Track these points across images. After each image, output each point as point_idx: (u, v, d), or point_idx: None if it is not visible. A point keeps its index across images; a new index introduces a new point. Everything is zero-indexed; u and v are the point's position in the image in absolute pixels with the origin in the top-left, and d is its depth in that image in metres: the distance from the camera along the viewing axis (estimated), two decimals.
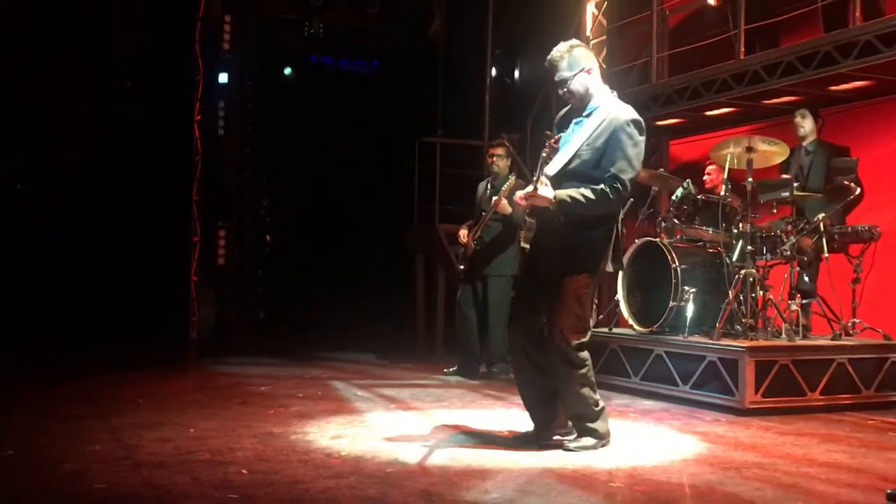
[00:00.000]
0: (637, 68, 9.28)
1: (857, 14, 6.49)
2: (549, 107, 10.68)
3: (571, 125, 4.44)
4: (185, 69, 10.97)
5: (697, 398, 5.93)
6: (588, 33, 10.06)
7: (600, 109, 4.34)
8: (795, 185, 6.32)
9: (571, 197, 4.21)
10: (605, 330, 7.03)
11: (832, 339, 6.18)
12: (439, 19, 12.36)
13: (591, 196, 4.21)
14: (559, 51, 4.37)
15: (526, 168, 10.18)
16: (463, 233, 7.59)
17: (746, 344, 5.75)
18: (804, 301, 6.37)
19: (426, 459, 4.14)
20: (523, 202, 4.37)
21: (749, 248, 6.15)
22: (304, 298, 12.55)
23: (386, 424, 5.07)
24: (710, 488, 3.71)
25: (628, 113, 4.31)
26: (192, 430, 4.77)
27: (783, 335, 6.07)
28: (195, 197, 10.71)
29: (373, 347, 9.68)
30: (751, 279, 6.12)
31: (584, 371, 4.34)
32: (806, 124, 6.81)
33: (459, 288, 7.73)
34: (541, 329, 4.38)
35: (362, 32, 12.23)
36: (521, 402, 4.74)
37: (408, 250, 10.80)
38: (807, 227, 6.28)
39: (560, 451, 4.33)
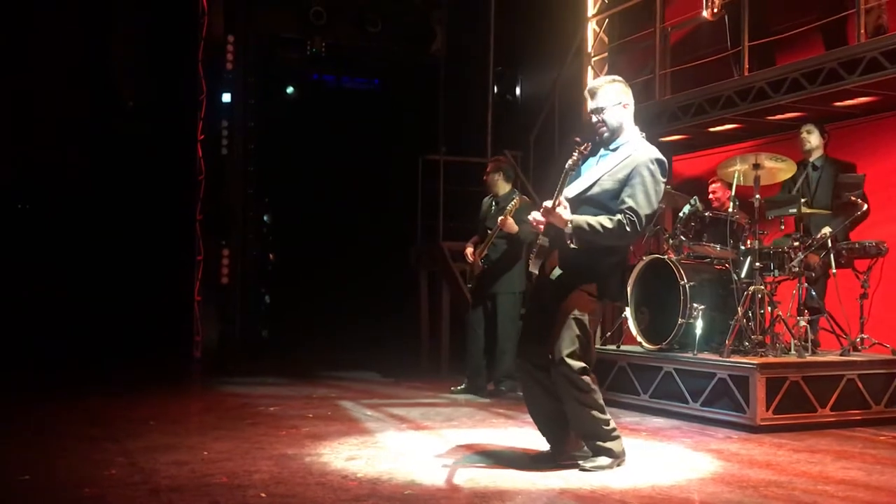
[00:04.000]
0: (639, 85, 9.31)
1: (862, 31, 6.53)
2: (551, 124, 10.75)
3: (598, 156, 4.50)
4: (188, 89, 11.01)
5: (708, 415, 5.94)
6: (589, 50, 10.12)
7: (627, 145, 4.43)
8: (803, 201, 6.33)
9: (588, 224, 4.24)
10: (614, 347, 7.04)
11: (841, 355, 6.19)
12: (441, 37, 12.40)
13: (608, 226, 4.24)
14: (601, 81, 4.56)
15: (528, 185, 10.24)
16: (469, 251, 7.61)
17: (756, 361, 5.75)
18: (812, 317, 6.38)
19: (443, 481, 4.14)
20: (540, 221, 4.36)
21: (757, 264, 6.17)
22: (307, 317, 12.54)
23: (399, 445, 5.07)
24: None
25: (653, 152, 4.40)
26: (205, 453, 4.77)
27: (792, 351, 6.08)
28: (199, 216, 10.73)
29: (377, 365, 9.68)
30: (759, 296, 6.13)
31: (589, 394, 4.34)
32: (812, 139, 6.84)
33: (469, 306, 7.75)
34: (546, 354, 4.37)
35: (364, 50, 12.25)
36: (530, 419, 4.76)
37: (412, 267, 10.80)
38: (814, 243, 6.29)
39: (577, 472, 4.33)
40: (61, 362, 9.66)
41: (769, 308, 6.23)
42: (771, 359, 5.92)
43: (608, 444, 4.40)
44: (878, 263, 6.32)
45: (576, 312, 4.31)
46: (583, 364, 4.32)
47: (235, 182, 10.84)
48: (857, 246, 6.40)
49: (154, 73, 11.92)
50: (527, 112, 12.04)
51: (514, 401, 7.10)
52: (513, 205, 7.21)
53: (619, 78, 4.59)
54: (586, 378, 4.32)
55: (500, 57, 12.04)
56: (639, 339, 6.69)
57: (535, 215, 4.40)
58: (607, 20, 10.07)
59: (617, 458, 4.42)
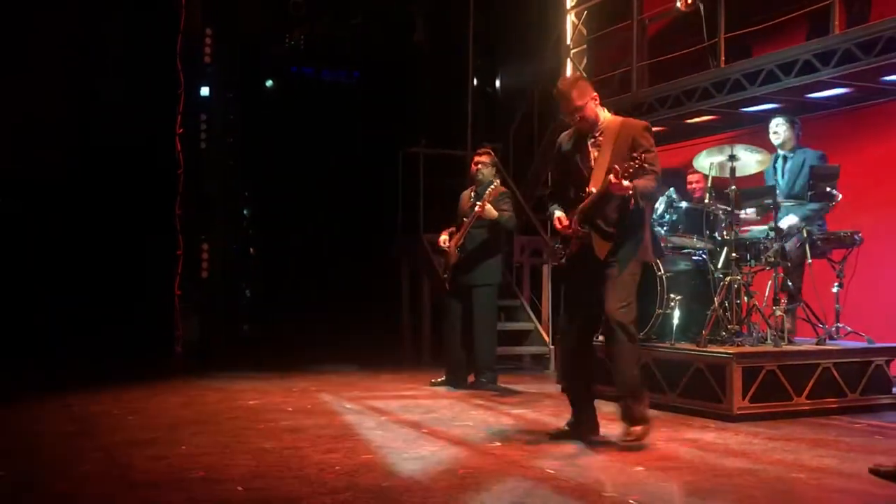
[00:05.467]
0: (617, 77, 9.36)
1: (837, 22, 6.57)
2: (531, 116, 10.78)
3: (587, 146, 4.97)
4: (166, 82, 10.95)
5: (685, 405, 5.98)
6: (568, 42, 10.13)
7: (610, 126, 4.94)
8: (778, 191, 6.38)
9: (646, 186, 4.79)
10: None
11: (817, 344, 6.25)
12: (421, 29, 12.41)
13: (650, 184, 4.83)
14: (567, 84, 5.02)
15: (509, 178, 10.26)
16: (443, 238, 7.56)
17: (733, 350, 5.80)
18: (789, 306, 6.43)
19: (421, 472, 4.15)
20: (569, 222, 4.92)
21: (733, 254, 6.21)
22: (288, 310, 12.53)
23: (378, 437, 5.08)
24: (703, 497, 3.74)
25: (638, 121, 5.12)
26: (183, 447, 4.77)
27: (769, 341, 6.13)
28: (178, 211, 10.69)
29: (359, 358, 9.68)
30: (735, 286, 6.18)
31: (640, 357, 4.98)
32: (781, 131, 6.87)
33: (445, 298, 7.74)
34: (596, 319, 4.93)
35: (343, 43, 12.25)
36: (510, 411, 5.25)
37: (393, 260, 10.81)
38: (790, 233, 6.34)
39: (555, 462, 4.37)
40: (41, 358, 9.61)
41: (746, 298, 6.28)
42: (747, 348, 5.97)
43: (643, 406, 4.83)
44: (854, 253, 6.38)
45: (626, 281, 4.83)
46: (635, 322, 4.88)
47: (215, 176, 10.81)
48: (832, 236, 6.45)
49: (131, 65, 11.82)
50: (506, 104, 12.07)
51: (493, 392, 7.14)
52: (491, 190, 7.21)
53: (579, 75, 5.16)
54: (634, 332, 4.88)
55: (480, 49, 12.03)
56: None
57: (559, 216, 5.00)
58: (586, 12, 10.10)
59: (648, 422, 4.82)
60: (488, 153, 7.65)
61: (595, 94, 4.95)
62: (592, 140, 4.95)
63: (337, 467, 4.25)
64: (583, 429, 5.03)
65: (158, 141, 11.02)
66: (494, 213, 7.15)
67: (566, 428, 5.06)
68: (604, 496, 3.76)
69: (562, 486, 3.92)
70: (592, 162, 4.92)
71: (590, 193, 4.83)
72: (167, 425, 5.53)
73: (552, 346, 8.81)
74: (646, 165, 4.72)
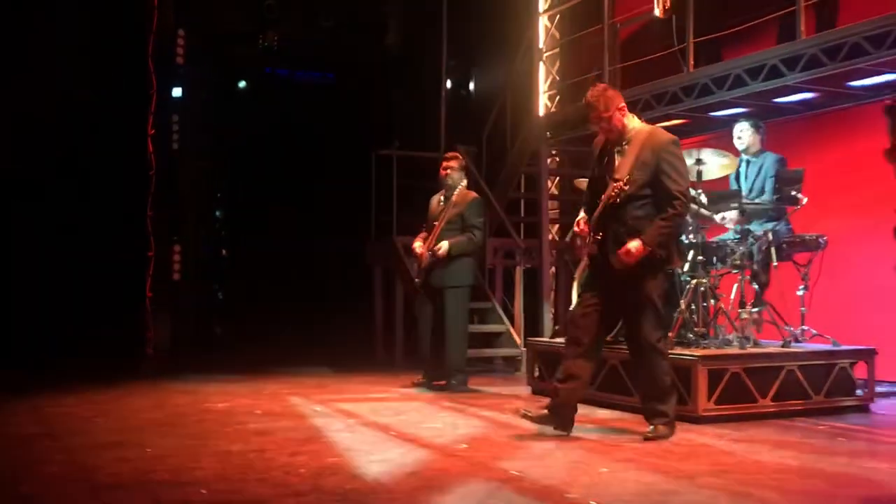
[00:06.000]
0: (590, 80, 9.40)
1: (803, 28, 6.64)
2: (504, 120, 10.82)
3: (614, 154, 5.15)
4: (138, 84, 10.89)
5: None
6: (541, 46, 10.18)
7: (638, 135, 5.10)
8: (743, 195, 6.45)
9: (660, 235, 4.95)
10: (561, 340, 7.11)
11: (782, 347, 6.32)
12: (394, 31, 12.42)
13: (669, 223, 4.98)
14: (595, 93, 5.17)
15: (482, 180, 10.30)
16: (417, 244, 7.61)
17: (698, 353, 5.86)
18: (755, 309, 6.50)
19: (386, 475, 4.17)
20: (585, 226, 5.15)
21: (700, 257, 6.27)
22: (261, 312, 12.50)
23: (346, 440, 5.09)
24: (663, 497, 3.78)
25: (665, 134, 5.13)
26: (149, 450, 4.75)
27: (735, 343, 6.19)
28: (149, 212, 10.64)
29: (332, 360, 9.68)
30: (702, 289, 6.23)
31: (666, 362, 5.17)
32: (745, 136, 6.95)
33: (418, 301, 7.78)
34: (635, 342, 5.16)
35: (318, 44, 12.23)
36: (479, 413, 5.63)
37: (366, 262, 10.82)
38: (755, 236, 6.41)
39: (519, 463, 4.40)
40: (11, 361, 9.53)
41: (712, 301, 6.34)
42: (713, 350, 6.03)
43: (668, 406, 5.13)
44: (818, 257, 6.46)
45: (655, 295, 5.05)
46: (664, 340, 5.22)
47: (187, 177, 10.77)
48: (797, 239, 6.53)
49: (103, 66, 11.76)
50: (481, 107, 12.10)
51: (464, 395, 7.17)
52: (458, 191, 7.28)
53: (607, 84, 5.46)
54: (665, 346, 5.19)
55: (454, 52, 12.08)
56: None
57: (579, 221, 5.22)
58: (558, 16, 10.15)
59: (672, 423, 5.13)
60: (456, 157, 7.69)
61: (622, 104, 5.14)
62: (619, 149, 5.15)
63: (302, 470, 4.25)
64: (558, 421, 5.18)
65: (130, 142, 10.95)
66: (445, 252, 7.23)
67: (545, 412, 5.22)
68: (567, 497, 3.78)
69: (526, 487, 3.94)
70: (616, 170, 5.08)
71: (604, 200, 5.03)
72: (134, 427, 5.51)
73: (524, 349, 8.85)
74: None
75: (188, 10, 10.92)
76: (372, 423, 5.74)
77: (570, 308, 7.01)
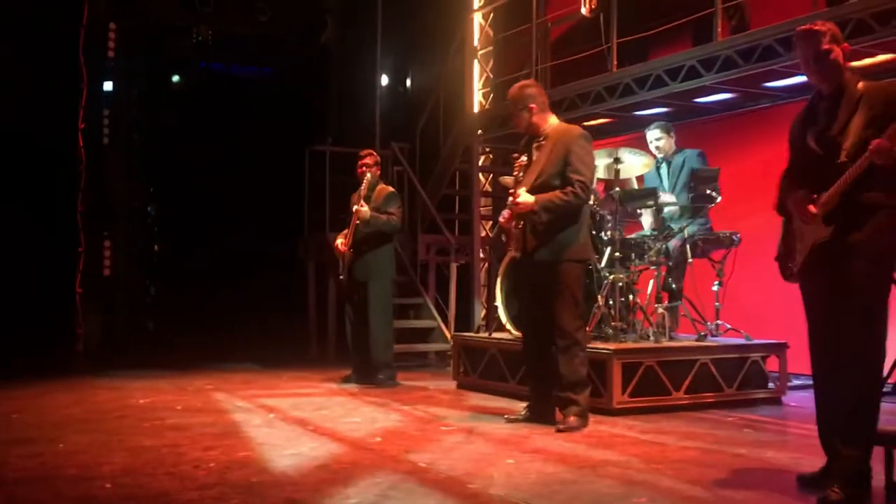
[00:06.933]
0: (521, 79, 9.50)
1: (720, 30, 6.82)
2: (437, 116, 10.89)
3: (532, 149, 5.43)
4: (69, 77, 10.76)
5: None
6: (476, 43, 10.28)
7: (554, 132, 5.37)
8: (666, 192, 6.61)
9: (550, 201, 5.20)
10: (486, 335, 7.22)
11: (697, 341, 6.48)
12: (332, 27, 12.42)
13: (564, 198, 5.20)
14: (514, 89, 5.48)
15: (415, 177, 10.37)
16: (339, 241, 7.65)
17: (614, 347, 5.99)
18: (671, 304, 6.66)
19: (295, 468, 4.22)
20: (509, 215, 5.39)
21: (617, 254, 6.41)
22: (195, 308, 12.43)
23: (261, 434, 5.12)
24: (562, 486, 3.88)
25: (576, 129, 5.42)
26: (61, 446, 4.74)
27: (651, 337, 6.34)
28: (80, 207, 10.53)
29: (265, 356, 9.68)
30: (620, 284, 6.37)
31: (584, 351, 5.36)
32: (661, 143, 7.11)
33: (344, 296, 7.82)
34: (554, 332, 5.31)
35: (254, 39, 12.19)
36: (400, 407, 5.85)
37: (299, 258, 10.82)
38: (672, 233, 6.57)
39: (427, 455, 4.49)
40: None
41: (630, 296, 6.48)
42: (629, 344, 6.17)
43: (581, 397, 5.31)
44: (732, 253, 6.64)
45: (571, 286, 5.26)
46: (582, 327, 5.42)
47: (118, 172, 10.68)
48: (712, 236, 6.71)
49: (34, 59, 11.58)
50: (417, 104, 12.16)
51: (390, 389, 7.23)
52: (366, 182, 7.34)
53: (529, 82, 5.69)
54: (582, 337, 5.38)
55: (392, 49, 12.13)
56: (508, 326, 6.87)
57: (504, 212, 5.46)
58: (492, 14, 10.25)
59: (584, 414, 5.30)
60: (371, 154, 7.76)
61: (537, 101, 5.39)
62: (536, 144, 5.42)
63: (212, 464, 4.28)
64: (538, 416, 5.47)
65: (60, 136, 10.82)
66: (367, 214, 7.26)
67: (523, 412, 5.54)
68: (468, 488, 3.87)
69: (429, 478, 4.02)
70: (532, 166, 5.38)
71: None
72: (51, 423, 5.48)
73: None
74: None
75: (120, 3, 10.82)
76: (291, 417, 5.78)
77: (494, 303, 7.15)
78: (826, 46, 3.65)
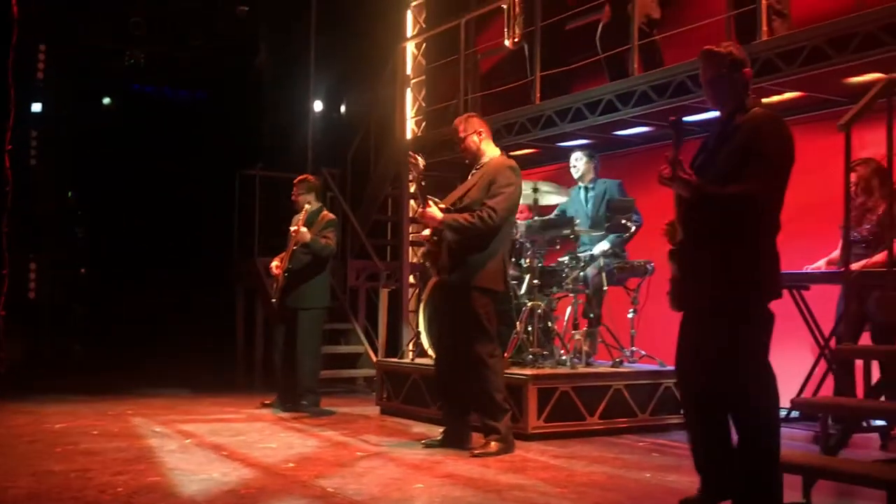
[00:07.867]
0: (452, 107, 9.68)
1: (636, 66, 7.04)
2: (368, 142, 10.99)
3: (469, 176, 5.67)
4: None
5: None
6: (409, 72, 10.41)
7: (489, 162, 5.61)
8: (577, 222, 6.78)
9: (455, 220, 5.40)
10: (408, 361, 7.30)
11: (612, 367, 6.64)
12: (265, 52, 12.47)
13: (470, 219, 5.37)
14: (460, 118, 5.78)
15: (345, 203, 10.43)
16: (274, 264, 7.65)
17: (530, 372, 6.11)
18: (589, 329, 6.81)
19: (203, 493, 4.24)
20: (423, 230, 5.63)
21: (536, 281, 6.55)
22: (123, 332, 12.30)
23: (174, 460, 5.11)
24: None
25: (507, 162, 5.60)
26: None
27: (567, 364, 6.48)
28: (5, 229, 10.39)
29: (191, 381, 9.62)
30: (538, 311, 6.51)
31: (497, 376, 5.43)
32: (580, 165, 7.31)
33: (274, 321, 7.82)
34: (465, 357, 5.42)
35: (187, 62, 12.19)
36: (320, 432, 6.03)
37: (228, 283, 10.79)
38: (589, 261, 6.74)
39: (337, 479, 4.54)
40: None
41: (548, 322, 6.62)
42: (546, 370, 6.30)
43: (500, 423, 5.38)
44: (647, 282, 6.82)
45: (479, 313, 5.37)
46: (495, 353, 5.45)
47: (45, 194, 10.57)
48: (627, 265, 6.89)
49: None
50: (351, 129, 12.25)
51: (312, 415, 7.24)
52: (303, 213, 7.36)
53: (474, 113, 6.09)
54: (496, 363, 5.44)
55: (327, 74, 12.20)
56: (430, 352, 6.96)
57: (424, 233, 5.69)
58: (425, 44, 10.41)
59: (505, 440, 5.38)
60: (305, 180, 7.80)
61: (480, 129, 5.64)
62: (473, 171, 5.66)
63: (119, 489, 4.28)
64: (454, 440, 5.58)
65: None
66: (307, 236, 7.28)
67: (439, 437, 5.65)
68: None
69: (334, 503, 4.08)
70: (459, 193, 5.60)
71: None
72: None
73: None
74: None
75: (51, 25, 10.75)
76: (207, 443, 5.78)
77: (417, 327, 7.24)
78: (722, 70, 3.66)
